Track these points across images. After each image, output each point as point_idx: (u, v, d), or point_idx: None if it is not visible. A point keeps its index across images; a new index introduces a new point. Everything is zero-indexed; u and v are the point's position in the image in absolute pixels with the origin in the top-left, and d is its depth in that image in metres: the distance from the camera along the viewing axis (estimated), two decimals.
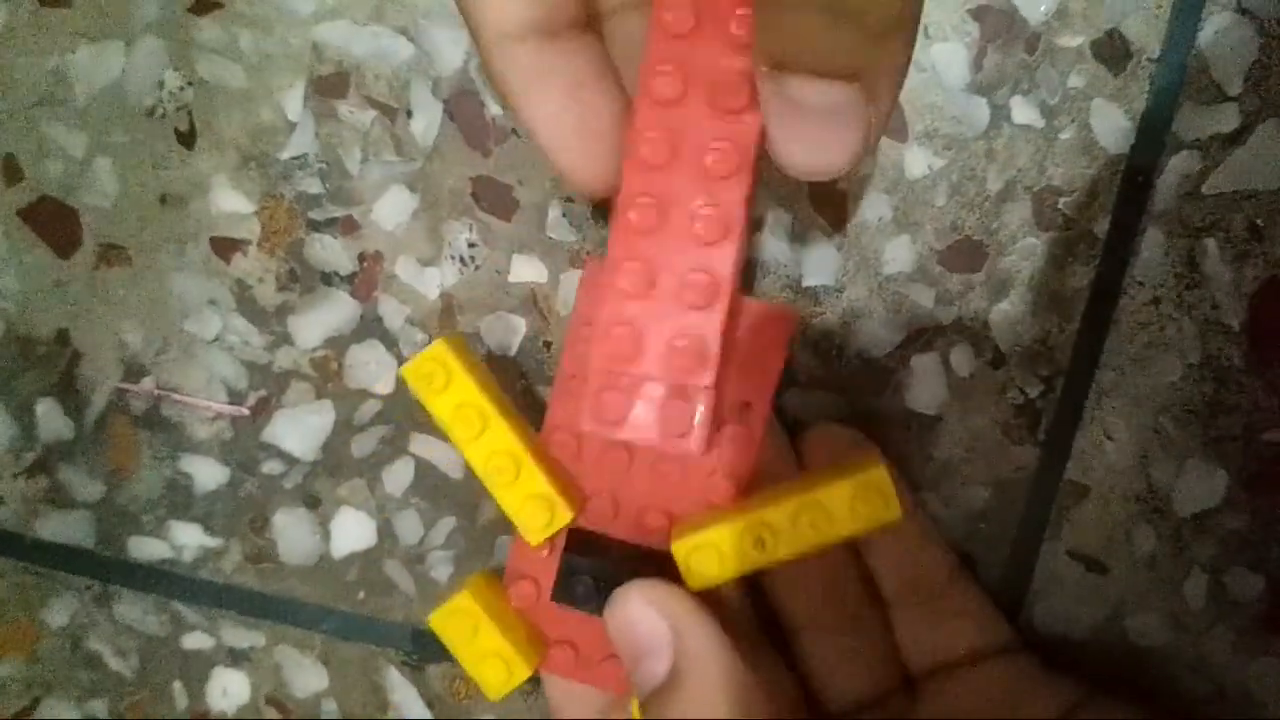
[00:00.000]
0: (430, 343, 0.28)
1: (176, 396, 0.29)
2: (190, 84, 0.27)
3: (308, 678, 0.31)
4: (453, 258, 0.28)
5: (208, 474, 0.30)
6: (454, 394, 0.21)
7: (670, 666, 0.19)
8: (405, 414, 0.29)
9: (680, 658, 0.19)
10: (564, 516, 0.22)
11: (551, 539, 0.22)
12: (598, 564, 0.22)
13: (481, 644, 0.22)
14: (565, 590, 0.22)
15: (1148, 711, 0.23)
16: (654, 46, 0.19)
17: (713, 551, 0.20)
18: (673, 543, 0.21)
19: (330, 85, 0.27)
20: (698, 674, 0.19)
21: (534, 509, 0.21)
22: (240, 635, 0.31)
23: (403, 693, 0.31)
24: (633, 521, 0.22)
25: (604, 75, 0.20)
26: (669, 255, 0.19)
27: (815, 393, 0.27)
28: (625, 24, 0.20)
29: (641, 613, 0.20)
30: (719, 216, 0.19)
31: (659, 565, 0.21)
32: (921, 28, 0.25)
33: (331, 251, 0.28)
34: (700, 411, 0.20)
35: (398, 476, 0.29)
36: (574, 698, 0.24)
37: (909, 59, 0.17)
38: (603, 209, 0.27)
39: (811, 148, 0.17)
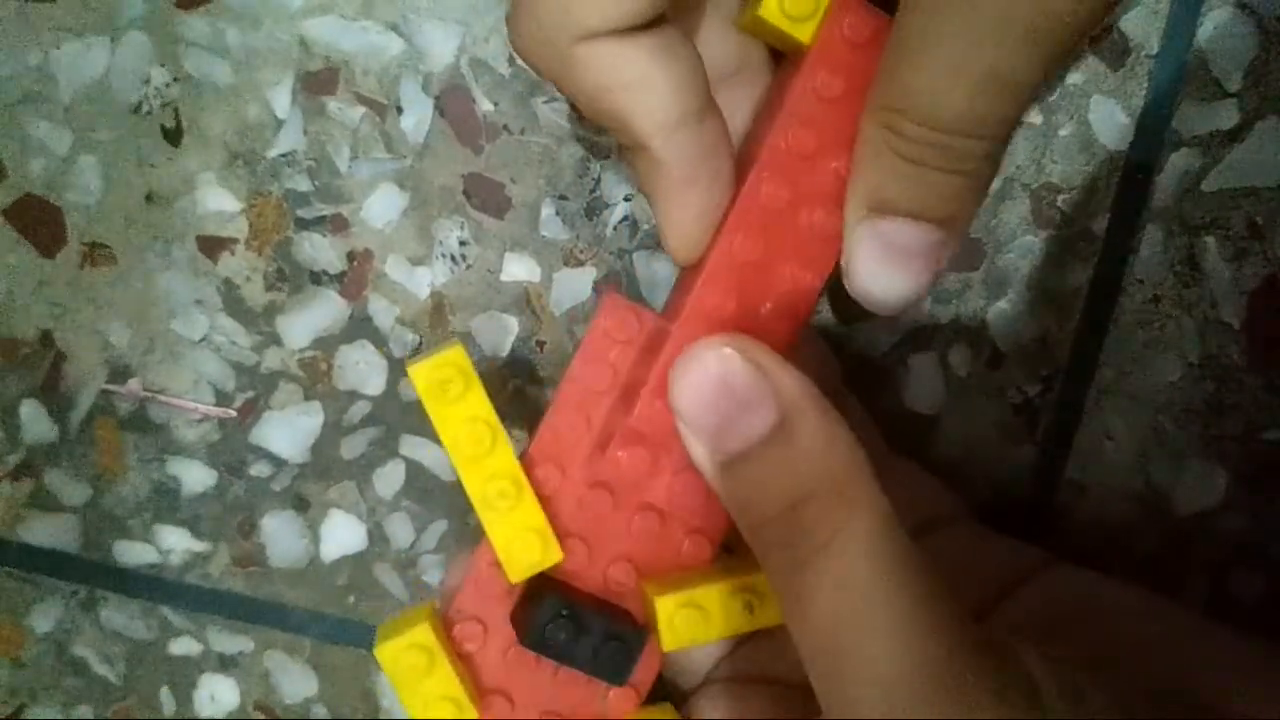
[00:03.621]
0: (424, 344, 0.28)
1: (163, 398, 0.29)
2: (176, 80, 0.27)
3: (297, 683, 0.30)
4: (444, 256, 0.27)
5: (195, 477, 0.29)
6: (467, 406, 0.20)
7: (777, 418, 0.18)
8: (395, 415, 0.28)
9: (788, 407, 0.18)
10: (553, 556, 0.20)
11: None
12: (573, 611, 0.21)
13: (435, 685, 0.20)
14: (538, 635, 0.20)
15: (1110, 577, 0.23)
16: (770, 159, 0.20)
17: (698, 612, 0.20)
18: (656, 598, 0.20)
19: (319, 81, 0.27)
20: (808, 421, 0.18)
21: (527, 543, 0.20)
22: (228, 640, 0.30)
23: (393, 698, 0.30)
24: (600, 573, 0.21)
25: (732, 164, 0.21)
26: None
27: None
28: (720, 95, 0.21)
29: (733, 363, 0.18)
30: (780, 323, 0.20)
31: (628, 622, 0.21)
32: None
33: (320, 250, 0.28)
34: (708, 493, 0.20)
35: (388, 479, 0.29)
36: None
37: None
38: (596, 209, 0.27)
39: (892, 283, 0.19)
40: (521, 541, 0.20)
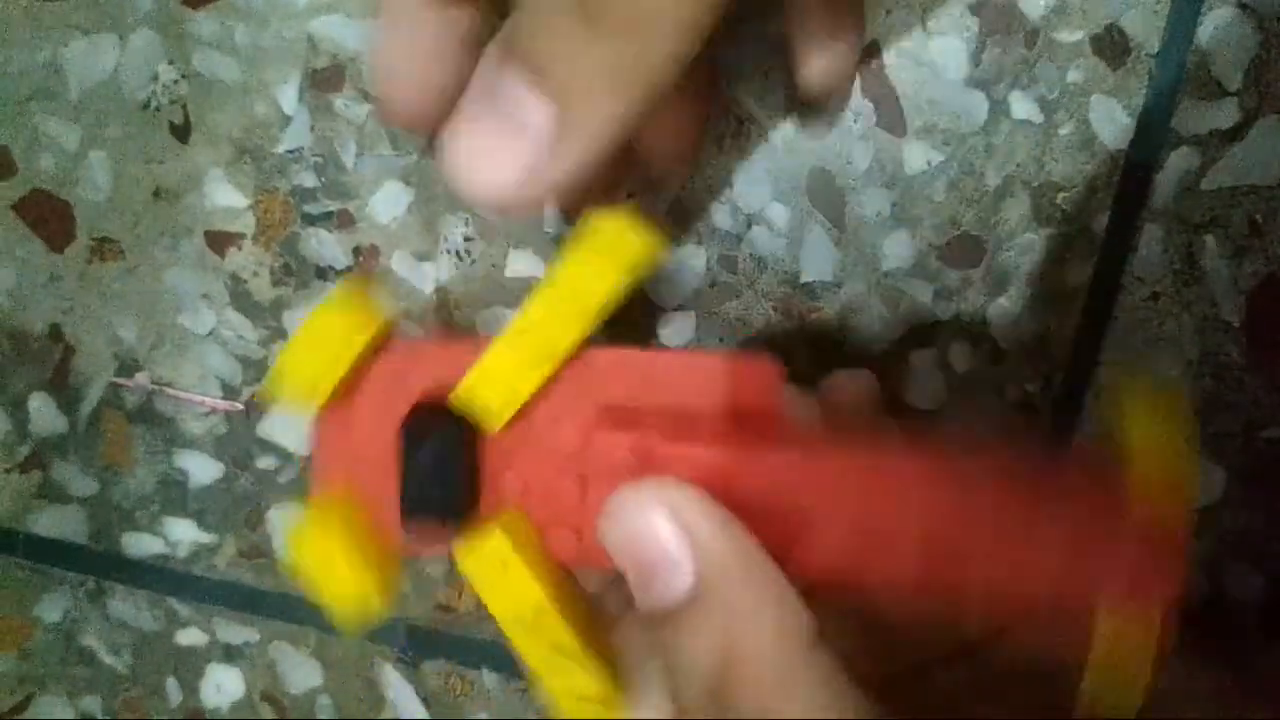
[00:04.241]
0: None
1: (170, 391, 0.29)
2: (185, 77, 0.27)
3: (302, 674, 0.31)
4: (449, 252, 0.28)
5: (202, 469, 0.30)
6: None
7: (694, 581, 0.17)
8: None
9: (706, 569, 0.17)
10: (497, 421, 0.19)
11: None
12: (455, 458, 0.19)
13: (313, 369, 0.19)
14: (414, 434, 0.19)
15: None
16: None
17: (505, 578, 0.19)
18: (497, 528, 0.19)
19: (325, 78, 0.27)
20: (724, 590, 0.16)
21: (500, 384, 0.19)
22: (235, 631, 0.30)
23: (398, 689, 0.30)
24: (502, 468, 0.20)
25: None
26: None
27: (813, 390, 0.27)
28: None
29: (656, 521, 0.17)
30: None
31: (467, 510, 0.20)
32: (920, 22, 0.25)
33: (327, 245, 0.28)
34: None
35: None
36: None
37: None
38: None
39: (488, 163, 0.15)
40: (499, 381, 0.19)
